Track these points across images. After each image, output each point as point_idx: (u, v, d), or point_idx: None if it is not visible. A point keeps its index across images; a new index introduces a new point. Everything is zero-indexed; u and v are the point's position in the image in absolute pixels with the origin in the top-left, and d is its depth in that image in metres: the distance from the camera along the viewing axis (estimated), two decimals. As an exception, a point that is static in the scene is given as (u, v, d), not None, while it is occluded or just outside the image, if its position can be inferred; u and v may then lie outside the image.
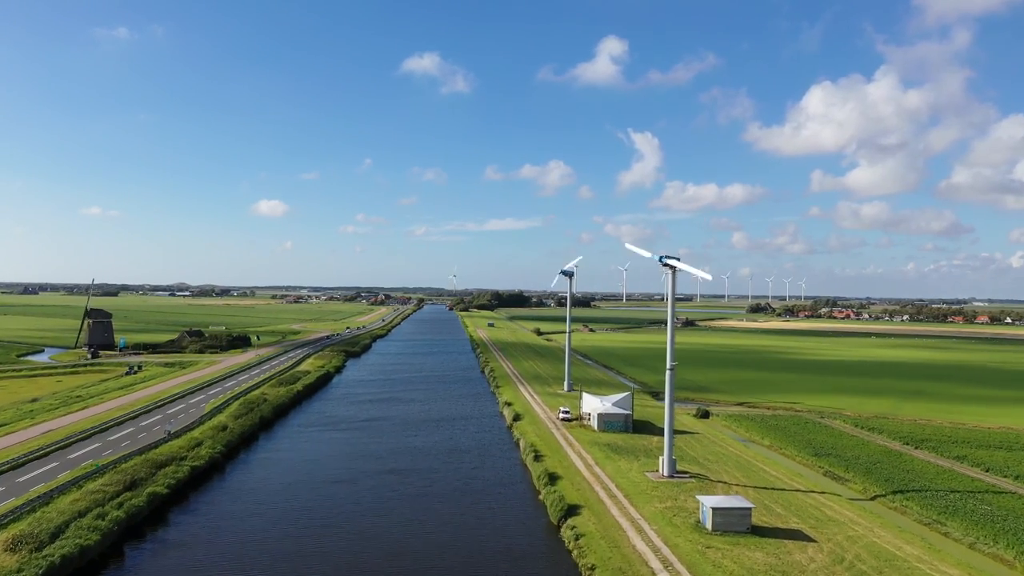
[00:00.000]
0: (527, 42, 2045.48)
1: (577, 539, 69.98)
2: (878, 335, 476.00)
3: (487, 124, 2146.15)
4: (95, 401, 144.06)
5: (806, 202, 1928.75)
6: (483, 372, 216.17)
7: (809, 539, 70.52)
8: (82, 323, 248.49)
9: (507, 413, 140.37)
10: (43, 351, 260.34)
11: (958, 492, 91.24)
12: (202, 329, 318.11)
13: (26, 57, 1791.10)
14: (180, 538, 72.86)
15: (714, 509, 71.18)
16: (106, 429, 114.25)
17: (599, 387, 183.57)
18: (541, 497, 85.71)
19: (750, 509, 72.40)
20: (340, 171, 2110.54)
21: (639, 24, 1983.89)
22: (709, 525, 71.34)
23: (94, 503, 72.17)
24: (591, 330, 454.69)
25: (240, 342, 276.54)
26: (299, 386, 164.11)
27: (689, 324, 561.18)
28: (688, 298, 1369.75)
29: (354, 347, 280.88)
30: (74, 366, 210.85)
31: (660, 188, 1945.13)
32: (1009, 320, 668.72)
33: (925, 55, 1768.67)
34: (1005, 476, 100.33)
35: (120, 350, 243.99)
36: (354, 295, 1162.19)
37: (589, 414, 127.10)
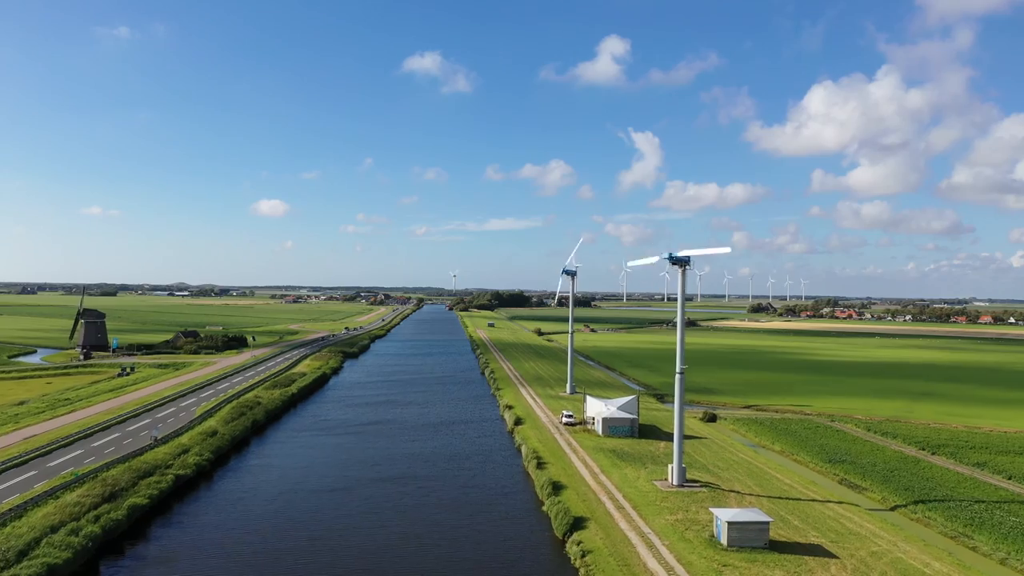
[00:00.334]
0: (529, 41, 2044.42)
1: (584, 556, 65.52)
2: (882, 335, 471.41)
3: (488, 123, 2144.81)
4: (83, 404, 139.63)
5: (807, 202, 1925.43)
6: (483, 373, 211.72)
7: (831, 555, 66.09)
8: (75, 323, 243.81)
9: (508, 417, 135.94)
10: (36, 352, 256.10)
11: (983, 502, 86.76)
12: (198, 329, 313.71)
13: (26, 56, 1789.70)
14: (160, 553, 68.42)
15: (730, 523, 66.71)
16: (91, 435, 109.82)
17: (602, 389, 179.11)
18: (545, 508, 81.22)
19: (768, 523, 67.95)
20: (341, 170, 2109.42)
21: (641, 23, 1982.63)
22: (724, 540, 66.89)
23: (69, 517, 67.73)
24: (592, 330, 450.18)
25: (236, 343, 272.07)
26: (294, 389, 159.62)
27: (691, 324, 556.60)
28: (688, 298, 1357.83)
29: (352, 348, 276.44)
30: (65, 367, 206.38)
31: (661, 188, 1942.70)
32: (1013, 320, 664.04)
33: (927, 54, 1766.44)
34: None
35: (113, 351, 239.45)
36: (353, 295, 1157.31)
37: (593, 418, 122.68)
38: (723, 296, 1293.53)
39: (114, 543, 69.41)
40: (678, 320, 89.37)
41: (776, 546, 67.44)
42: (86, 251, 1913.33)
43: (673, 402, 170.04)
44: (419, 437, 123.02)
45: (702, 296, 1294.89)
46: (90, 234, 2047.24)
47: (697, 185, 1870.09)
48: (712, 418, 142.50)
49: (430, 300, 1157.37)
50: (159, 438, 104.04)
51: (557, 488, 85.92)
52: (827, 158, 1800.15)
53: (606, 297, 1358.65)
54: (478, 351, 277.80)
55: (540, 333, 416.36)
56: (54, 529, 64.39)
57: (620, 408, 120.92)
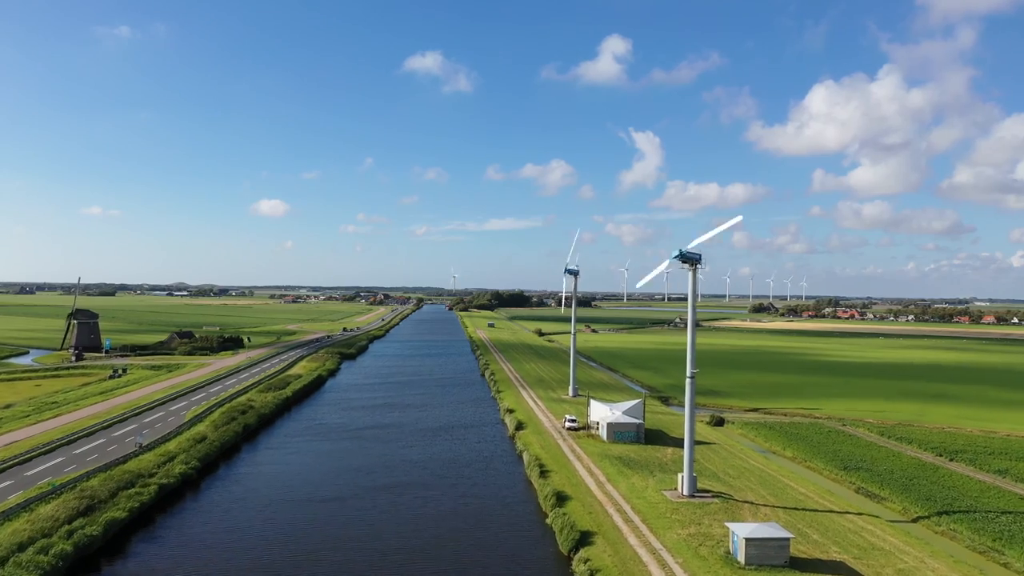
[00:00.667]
0: (530, 41, 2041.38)
1: (592, 575, 61.07)
2: (886, 336, 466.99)
3: (489, 123, 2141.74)
4: (69, 408, 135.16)
5: (807, 202, 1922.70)
6: (483, 375, 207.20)
7: (855, 573, 61.72)
8: (67, 324, 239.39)
9: (509, 421, 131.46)
10: (28, 353, 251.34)
11: (1009, 513, 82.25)
12: (194, 330, 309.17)
13: (27, 56, 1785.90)
14: (139, 570, 64.01)
15: (747, 540, 62.25)
16: (74, 441, 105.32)
17: (604, 391, 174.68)
18: (549, 521, 76.72)
19: (788, 540, 63.49)
20: (341, 170, 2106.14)
21: (643, 23, 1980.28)
22: (741, 558, 62.44)
23: (40, 532, 63.27)
24: (594, 331, 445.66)
25: (232, 344, 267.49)
26: (288, 391, 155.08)
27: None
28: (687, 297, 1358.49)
29: (350, 349, 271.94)
30: (56, 369, 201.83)
31: (661, 188, 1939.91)
32: (1016, 320, 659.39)
33: (929, 54, 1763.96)
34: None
35: (106, 352, 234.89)
36: (353, 295, 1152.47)
37: (597, 423, 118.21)
38: (723, 296, 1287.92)
39: (90, 559, 64.97)
40: (688, 322, 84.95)
41: (797, 563, 63.06)
42: (86, 251, 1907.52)
43: (678, 405, 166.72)
44: (417, 443, 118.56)
45: (702, 296, 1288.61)
46: (90, 234, 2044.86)
47: (698, 185, 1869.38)
48: (719, 422, 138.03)
49: (430, 300, 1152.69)
50: (144, 445, 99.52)
51: (561, 499, 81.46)
52: (828, 158, 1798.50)
53: (606, 297, 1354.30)
54: (478, 352, 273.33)
55: (541, 333, 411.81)
56: (22, 547, 59.94)
57: (625, 412, 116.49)
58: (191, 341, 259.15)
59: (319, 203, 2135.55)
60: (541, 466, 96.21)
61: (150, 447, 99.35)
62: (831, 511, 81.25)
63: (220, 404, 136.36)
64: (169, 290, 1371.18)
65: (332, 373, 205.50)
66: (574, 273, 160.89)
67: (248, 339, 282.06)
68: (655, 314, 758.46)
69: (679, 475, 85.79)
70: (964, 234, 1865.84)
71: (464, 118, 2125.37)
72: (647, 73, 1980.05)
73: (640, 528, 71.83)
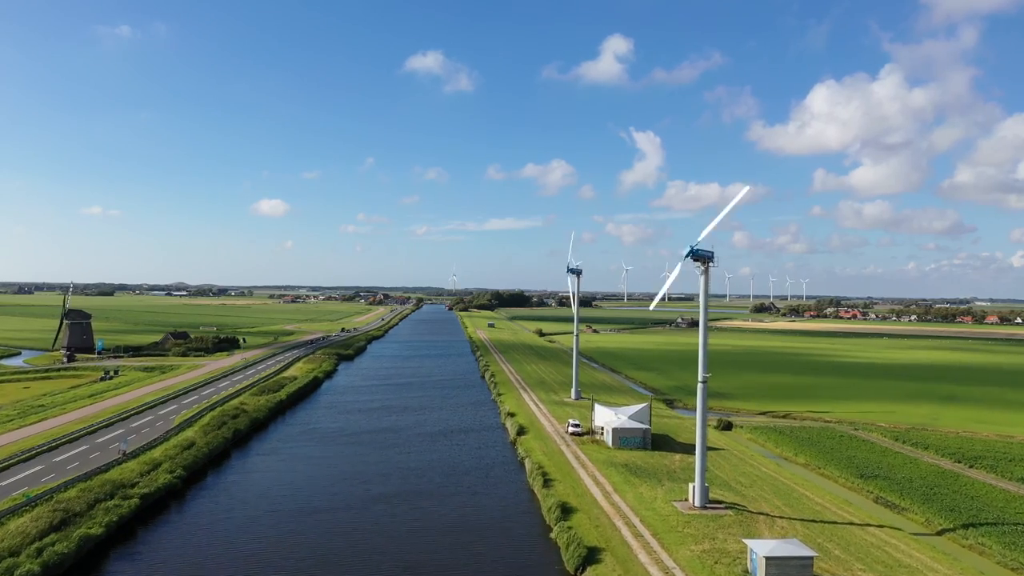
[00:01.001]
0: (532, 40, 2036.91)
1: (600, 597, 56.65)
2: (890, 336, 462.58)
3: (490, 123, 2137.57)
4: (56, 412, 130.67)
5: (808, 201, 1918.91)
6: (483, 377, 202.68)
7: (884, 595, 57.30)
8: (60, 324, 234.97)
9: (510, 425, 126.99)
10: (20, 354, 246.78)
11: (1040, 526, 77.81)
12: (190, 330, 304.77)
13: (27, 55, 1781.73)
14: (114, 592, 59.62)
15: (768, 559, 57.79)
16: (57, 447, 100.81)
17: (607, 393, 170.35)
18: (553, 535, 72.21)
19: (812, 559, 59.06)
20: (342, 170, 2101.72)
21: (645, 23, 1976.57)
22: (762, 578, 57.97)
23: (7, 550, 58.86)
24: (595, 331, 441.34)
25: (227, 344, 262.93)
26: (283, 394, 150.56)
27: (694, 324, 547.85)
28: (688, 297, 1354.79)
29: (347, 349, 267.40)
30: (46, 370, 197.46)
31: (662, 187, 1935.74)
32: (1020, 320, 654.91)
33: (931, 53, 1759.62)
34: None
35: (98, 353, 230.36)
36: (353, 295, 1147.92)
37: (602, 428, 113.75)
38: (724, 296, 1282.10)
39: (62, 579, 60.59)
40: (700, 323, 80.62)
41: (821, 584, 58.64)
42: (86, 251, 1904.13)
43: (683, 408, 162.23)
44: (414, 449, 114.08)
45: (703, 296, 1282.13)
46: (90, 234, 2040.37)
47: (698, 185, 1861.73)
48: (727, 426, 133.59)
49: (430, 300, 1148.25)
50: (128, 452, 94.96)
51: (566, 511, 76.96)
52: (829, 157, 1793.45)
53: (607, 297, 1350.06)
54: (478, 353, 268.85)
55: (541, 334, 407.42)
56: (-15, 567, 55.51)
57: (631, 417, 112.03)
58: (186, 342, 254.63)
59: (319, 203, 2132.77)
60: (544, 474, 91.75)
61: (134, 454, 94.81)
62: (851, 523, 76.81)
63: (211, 408, 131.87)
64: (168, 290, 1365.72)
65: (329, 375, 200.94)
66: (577, 272, 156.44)
67: (243, 340, 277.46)
68: (656, 314, 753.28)
69: (690, 485, 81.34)
70: (965, 234, 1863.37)
71: (465, 118, 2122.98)
72: (648, 73, 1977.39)
73: (651, 543, 67.38)
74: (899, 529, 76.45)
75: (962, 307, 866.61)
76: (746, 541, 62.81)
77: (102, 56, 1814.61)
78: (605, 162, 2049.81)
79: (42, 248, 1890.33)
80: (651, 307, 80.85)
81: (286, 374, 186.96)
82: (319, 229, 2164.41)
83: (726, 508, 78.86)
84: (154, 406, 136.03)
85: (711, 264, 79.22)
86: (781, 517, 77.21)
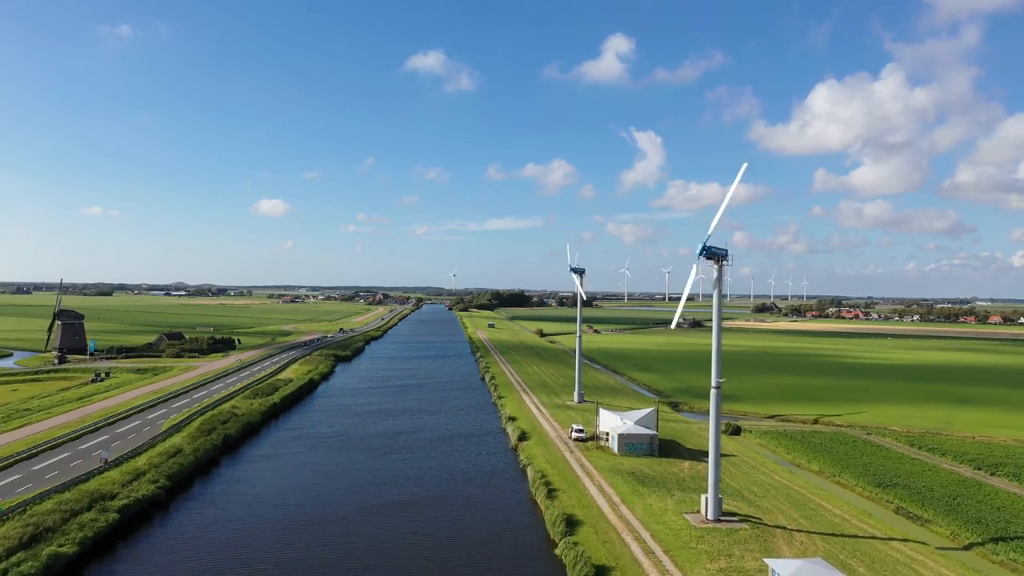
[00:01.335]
0: (533, 40, 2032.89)
1: (611, 624, 52.17)
2: (894, 336, 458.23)
3: (491, 123, 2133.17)
4: (41, 416, 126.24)
5: (809, 201, 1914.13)
6: (483, 379, 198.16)
7: (917, 619, 52.83)
8: (51, 325, 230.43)
9: (511, 430, 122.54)
10: (11, 355, 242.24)
11: (1074, 540, 73.34)
12: (186, 331, 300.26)
13: (27, 55, 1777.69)
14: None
15: (792, 581, 53.34)
16: (37, 454, 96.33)
17: (610, 396, 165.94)
18: (559, 551, 67.68)
19: (840, 581, 54.56)
20: (342, 170, 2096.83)
21: (647, 22, 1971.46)
22: (785, 602, 53.52)
23: (-32, 572, 54.39)
24: (596, 331, 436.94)
25: (223, 345, 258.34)
26: (277, 397, 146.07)
27: (696, 324, 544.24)
28: (690, 297, 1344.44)
29: (345, 350, 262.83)
30: (36, 372, 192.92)
31: (663, 187, 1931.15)
32: (1023, 320, 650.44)
33: (933, 53, 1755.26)
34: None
35: (91, 354, 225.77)
36: (352, 295, 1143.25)
37: (607, 433, 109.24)
38: (725, 296, 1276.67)
39: (29, 602, 56.11)
40: (714, 326, 76.07)
41: (848, 608, 54.20)
42: (86, 251, 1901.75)
43: (689, 411, 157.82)
44: (411, 455, 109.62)
45: (703, 296, 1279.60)
46: (90, 234, 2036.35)
47: (699, 184, 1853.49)
48: (736, 430, 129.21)
49: (430, 300, 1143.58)
50: (109, 460, 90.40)
51: (571, 524, 72.51)
52: (830, 157, 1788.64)
53: (607, 297, 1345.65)
54: (478, 354, 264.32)
55: (542, 334, 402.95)
56: (-58, 592, 51.08)
57: (637, 422, 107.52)
58: (180, 343, 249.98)
59: (319, 203, 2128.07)
60: (547, 483, 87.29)
61: (116, 463, 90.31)
62: (874, 537, 72.36)
63: (202, 412, 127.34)
64: (167, 290, 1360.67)
65: (325, 377, 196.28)
66: (580, 272, 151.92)
67: (239, 341, 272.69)
68: (657, 314, 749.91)
69: (702, 496, 76.85)
70: (965, 234, 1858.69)
71: (466, 118, 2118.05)
72: (650, 72, 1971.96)
73: (663, 561, 62.91)
74: (924, 543, 72.06)
75: (964, 307, 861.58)
76: (767, 561, 58.38)
77: (103, 56, 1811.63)
78: (606, 162, 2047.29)
79: (42, 248, 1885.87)
80: (672, 325, 74.58)
81: (281, 376, 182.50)
82: (319, 229, 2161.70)
83: (741, 521, 74.41)
84: (143, 410, 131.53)
85: (725, 263, 74.67)
86: (799, 531, 72.75)
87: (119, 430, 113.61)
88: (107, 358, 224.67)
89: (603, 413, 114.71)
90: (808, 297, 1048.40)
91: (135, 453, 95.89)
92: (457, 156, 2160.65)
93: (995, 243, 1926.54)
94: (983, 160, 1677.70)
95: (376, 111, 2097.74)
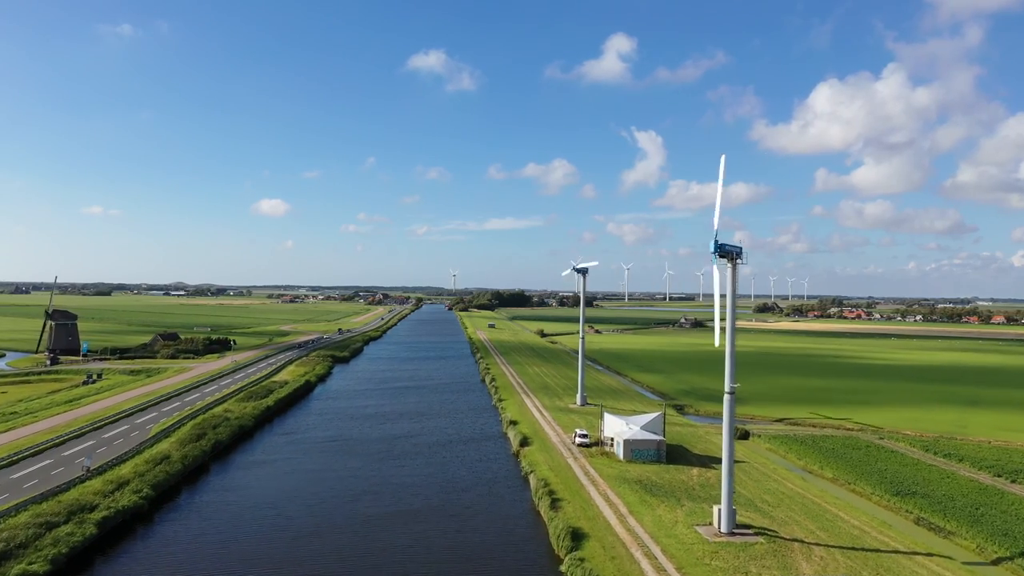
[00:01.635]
0: (535, 39, 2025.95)
1: (622, 652, 48.17)
2: (898, 336, 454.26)
3: (492, 122, 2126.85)
4: (27, 420, 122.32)
5: (809, 201, 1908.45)
6: (483, 380, 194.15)
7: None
8: (44, 325, 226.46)
9: (512, 435, 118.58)
10: (4, 356, 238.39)
11: (1109, 554, 69.31)
12: (183, 331, 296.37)
13: (28, 54, 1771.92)
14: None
15: (818, 604, 49.30)
16: (16, 462, 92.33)
17: (614, 398, 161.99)
18: (564, 568, 63.66)
19: (869, 604, 50.52)
20: (343, 170, 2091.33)
21: (649, 21, 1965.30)
22: (810, 627, 49.48)
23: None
24: (597, 331, 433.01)
25: (219, 346, 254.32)
26: (271, 400, 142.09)
27: (698, 325, 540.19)
28: (691, 297, 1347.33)
29: (343, 351, 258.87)
30: (27, 374, 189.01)
31: (663, 187, 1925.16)
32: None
33: (935, 52, 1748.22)
34: None
35: (84, 355, 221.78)
36: (352, 295, 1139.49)
37: (612, 439, 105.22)
38: (724, 296, 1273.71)
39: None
40: (728, 328, 72.00)
41: (878, 633, 50.17)
42: (85, 251, 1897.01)
43: (695, 414, 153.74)
44: (409, 461, 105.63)
45: (703, 296, 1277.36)
46: (90, 234, 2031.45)
47: (700, 184, 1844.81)
48: (744, 435, 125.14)
49: (430, 300, 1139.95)
50: (92, 468, 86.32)
51: (577, 538, 68.50)
52: (831, 157, 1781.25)
53: (607, 296, 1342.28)
54: (478, 355, 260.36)
55: (543, 334, 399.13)
56: None
57: (644, 427, 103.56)
58: (175, 343, 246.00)
59: (320, 203, 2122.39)
60: (551, 493, 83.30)
61: (99, 471, 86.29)
62: (896, 551, 68.31)
63: (193, 416, 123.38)
64: (167, 290, 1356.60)
65: (322, 379, 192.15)
66: (583, 272, 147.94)
67: (234, 342, 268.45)
68: (657, 314, 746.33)
69: (715, 507, 72.77)
70: (966, 233, 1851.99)
71: (467, 117, 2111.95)
72: (652, 72, 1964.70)
73: (676, 580, 58.91)
74: (950, 558, 68.06)
75: (967, 307, 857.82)
76: (789, 581, 54.35)
77: (103, 55, 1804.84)
78: (607, 162, 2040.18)
79: (42, 248, 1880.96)
80: (716, 343, 68.40)
81: (277, 378, 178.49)
82: (319, 229, 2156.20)
83: (756, 534, 70.37)
84: (132, 414, 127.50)
85: (739, 261, 70.67)
86: (818, 544, 68.72)
87: (106, 435, 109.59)
88: (100, 359, 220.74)
89: (608, 417, 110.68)
90: (809, 297, 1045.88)
91: (120, 460, 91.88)
92: (458, 156, 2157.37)
93: (996, 243, 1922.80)
94: (984, 160, 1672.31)
95: (377, 111, 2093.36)
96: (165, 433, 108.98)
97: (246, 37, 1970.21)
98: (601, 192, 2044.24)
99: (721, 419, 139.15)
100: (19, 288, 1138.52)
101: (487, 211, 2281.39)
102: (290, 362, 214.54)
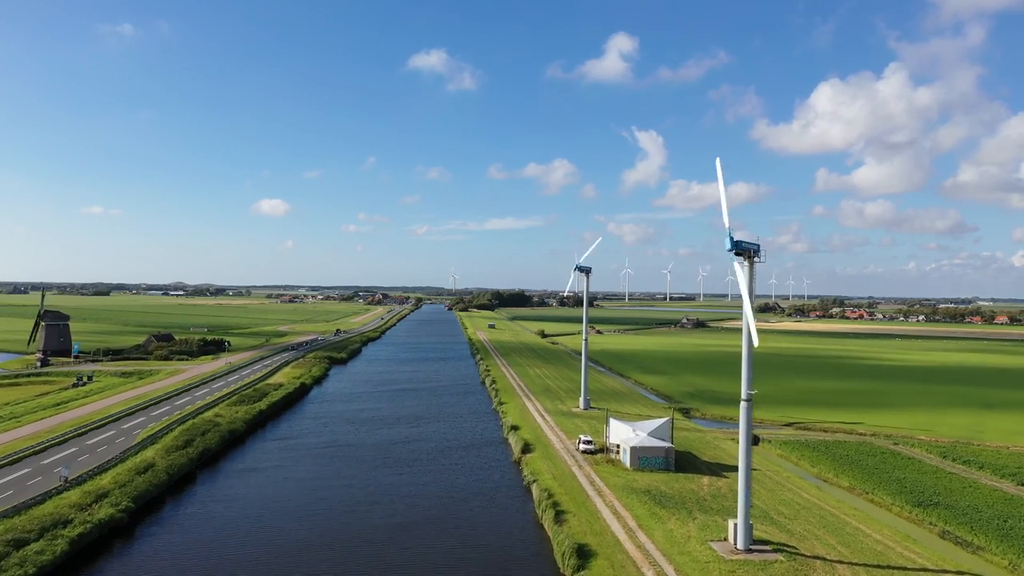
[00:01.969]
0: (536, 39, 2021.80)
1: None
2: (901, 336, 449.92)
3: (493, 122, 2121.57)
4: (10, 425, 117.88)
5: (810, 201, 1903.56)
6: (483, 383, 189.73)
7: None
8: (35, 326, 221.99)
9: (513, 441, 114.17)
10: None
11: None
12: (180, 331, 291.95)
13: (28, 54, 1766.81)
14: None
15: (851, 636, 44.86)
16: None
17: (617, 401, 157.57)
18: (569, 590, 59.35)
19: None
20: (343, 170, 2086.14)
21: (650, 21, 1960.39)
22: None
23: None
24: (599, 332, 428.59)
25: (213, 347, 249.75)
26: (264, 404, 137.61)
27: (700, 325, 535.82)
28: (691, 297, 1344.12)
29: (340, 352, 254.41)
30: (16, 376, 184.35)
31: (664, 187, 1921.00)
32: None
33: (937, 52, 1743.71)
34: None
35: (75, 357, 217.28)
36: (351, 295, 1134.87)
37: (618, 446, 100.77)
38: (725, 295, 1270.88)
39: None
40: (744, 331, 67.59)
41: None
42: (86, 251, 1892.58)
43: (701, 418, 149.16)
44: (407, 468, 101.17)
45: (704, 296, 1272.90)
46: (90, 234, 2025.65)
47: (700, 184, 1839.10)
48: (755, 440, 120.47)
49: (429, 300, 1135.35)
50: (70, 478, 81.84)
51: (584, 555, 64.07)
52: (832, 156, 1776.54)
53: (607, 296, 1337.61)
54: (478, 356, 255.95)
55: (544, 335, 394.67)
56: None
57: (651, 434, 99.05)
58: (169, 344, 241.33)
59: (320, 202, 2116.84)
60: (555, 504, 78.90)
61: (78, 481, 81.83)
62: (924, 570, 63.89)
63: (182, 421, 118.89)
64: (166, 290, 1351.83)
65: (318, 381, 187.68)
66: (586, 271, 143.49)
67: (228, 344, 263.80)
68: (659, 314, 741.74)
69: (730, 521, 68.35)
70: (966, 233, 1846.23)
71: (468, 117, 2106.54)
72: (653, 71, 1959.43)
73: (692, 604, 54.46)
74: (981, 576, 63.65)
75: (969, 307, 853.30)
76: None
77: (104, 55, 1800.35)
78: (607, 161, 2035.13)
79: (42, 248, 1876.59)
80: (756, 342, 63.72)
81: (271, 380, 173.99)
82: (319, 229, 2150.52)
83: (773, 551, 65.93)
84: (119, 418, 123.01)
85: (757, 259, 66.28)
86: (840, 562, 64.28)
87: (89, 442, 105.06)
88: (92, 360, 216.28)
89: (613, 423, 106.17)
90: (809, 297, 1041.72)
91: (101, 469, 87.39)
92: (458, 156, 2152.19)
93: (996, 243, 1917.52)
94: (985, 159, 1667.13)
95: (378, 110, 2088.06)
96: (151, 440, 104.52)
97: (246, 37, 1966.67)
98: (602, 192, 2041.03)
99: (730, 423, 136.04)
100: (17, 288, 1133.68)
101: (487, 211, 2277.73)
102: (286, 364, 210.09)
